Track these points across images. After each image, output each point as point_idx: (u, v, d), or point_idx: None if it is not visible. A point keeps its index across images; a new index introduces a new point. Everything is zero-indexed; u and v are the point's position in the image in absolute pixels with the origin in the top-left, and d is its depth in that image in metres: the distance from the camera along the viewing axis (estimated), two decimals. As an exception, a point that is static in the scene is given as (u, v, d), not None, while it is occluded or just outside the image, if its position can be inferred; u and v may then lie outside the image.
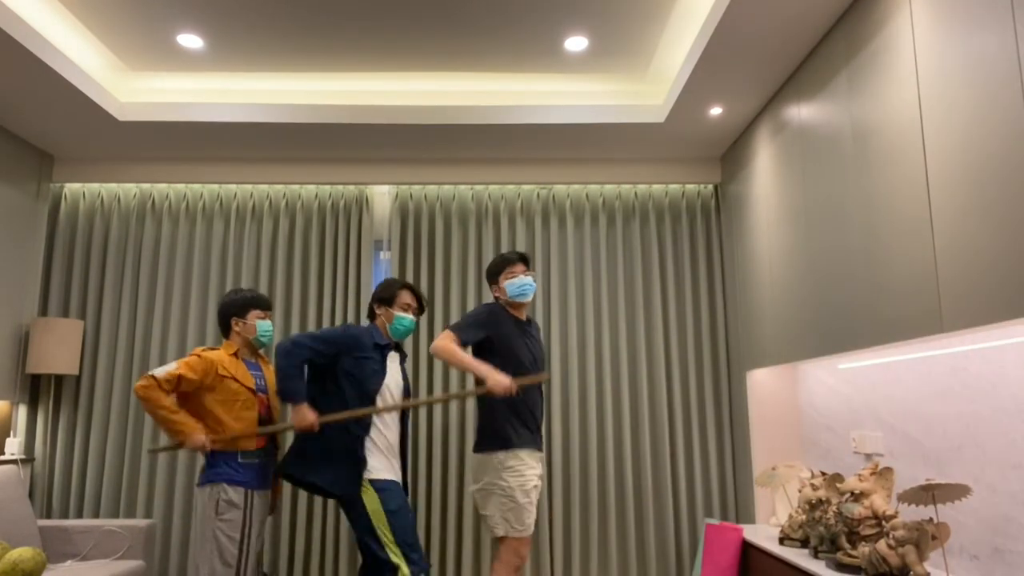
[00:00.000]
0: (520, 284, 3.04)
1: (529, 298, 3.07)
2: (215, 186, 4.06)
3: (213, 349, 2.92)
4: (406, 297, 3.01)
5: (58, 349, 3.61)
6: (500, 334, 2.97)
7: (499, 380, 2.79)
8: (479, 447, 2.95)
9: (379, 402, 2.87)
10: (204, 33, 3.13)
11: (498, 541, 2.87)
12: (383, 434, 2.88)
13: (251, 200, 4.05)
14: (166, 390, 2.71)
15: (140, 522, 3.40)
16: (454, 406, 3.83)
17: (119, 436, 3.79)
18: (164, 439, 3.76)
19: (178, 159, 3.99)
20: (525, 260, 3.10)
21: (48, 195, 3.93)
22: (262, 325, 2.97)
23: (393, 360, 3.00)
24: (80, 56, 3.25)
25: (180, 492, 3.71)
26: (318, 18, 3.02)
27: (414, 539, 2.76)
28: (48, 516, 3.71)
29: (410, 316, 3.00)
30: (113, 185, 4.04)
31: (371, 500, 2.74)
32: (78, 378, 3.84)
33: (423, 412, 3.84)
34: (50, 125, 3.56)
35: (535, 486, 2.88)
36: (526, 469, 2.87)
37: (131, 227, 3.99)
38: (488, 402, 2.94)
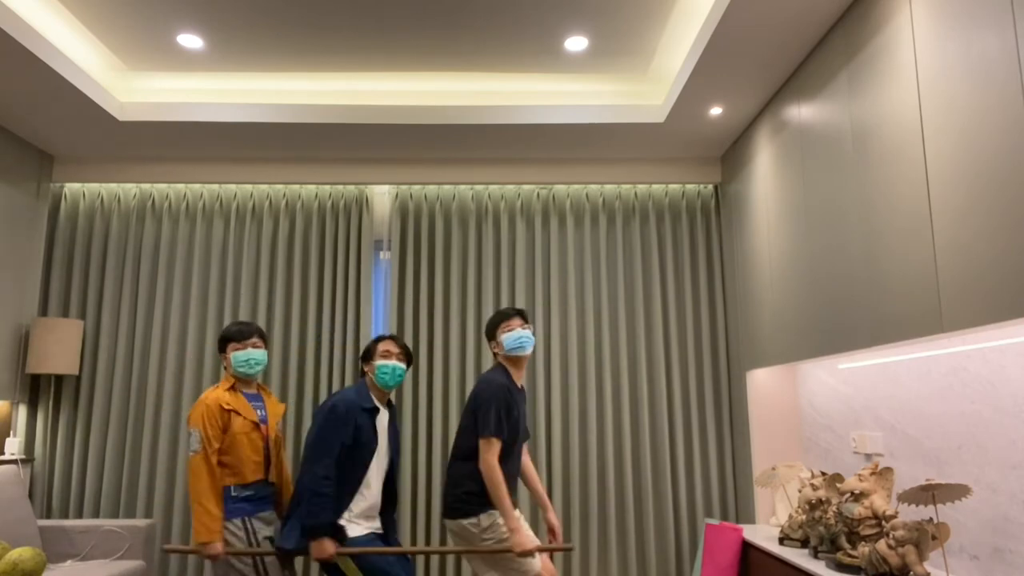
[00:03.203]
0: (518, 336, 2.89)
1: (528, 352, 2.91)
2: (215, 186, 4.06)
3: (211, 389, 2.91)
4: (383, 346, 2.98)
5: (58, 349, 3.61)
6: (511, 416, 2.82)
7: (523, 543, 2.63)
8: (450, 513, 2.78)
9: (373, 466, 2.82)
10: (204, 33, 3.13)
11: None
12: (362, 500, 2.82)
13: (251, 200, 4.05)
14: (214, 461, 2.73)
15: (140, 522, 3.40)
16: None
17: (119, 436, 3.79)
18: (165, 433, 3.76)
19: (178, 159, 3.99)
20: (522, 315, 2.97)
21: (48, 195, 3.93)
22: (236, 357, 2.91)
23: (382, 419, 2.93)
24: (80, 56, 3.25)
25: (180, 492, 3.71)
26: (318, 18, 3.02)
27: (391, 567, 2.70)
28: (48, 516, 3.71)
29: (392, 361, 2.92)
30: (113, 185, 4.05)
31: (351, 570, 2.70)
32: (78, 378, 3.84)
33: (418, 415, 3.84)
34: (50, 125, 3.56)
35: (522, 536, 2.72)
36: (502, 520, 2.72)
37: (131, 227, 3.99)
38: (458, 462, 2.81)
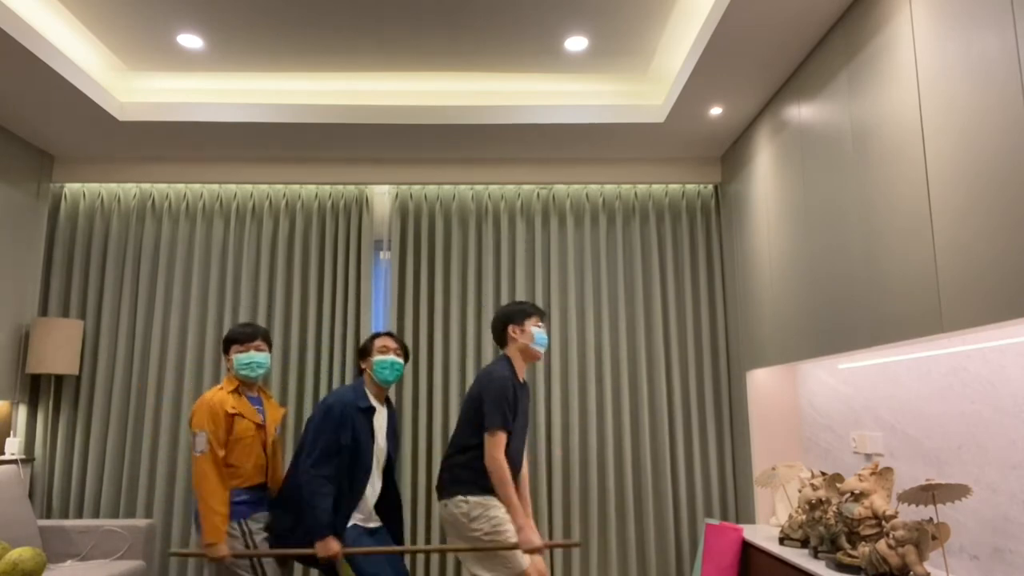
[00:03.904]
0: (544, 335, 2.90)
1: (542, 351, 2.92)
2: (215, 186, 4.06)
3: (214, 390, 2.91)
4: (380, 342, 2.98)
5: (58, 349, 3.61)
6: (516, 410, 2.80)
7: (531, 540, 2.60)
8: (443, 492, 2.76)
9: (370, 465, 2.81)
10: (204, 33, 3.13)
11: None
12: (364, 505, 2.83)
13: (251, 200, 4.05)
14: (220, 459, 2.74)
15: (140, 522, 3.40)
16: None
17: (119, 436, 3.79)
18: (165, 433, 3.76)
19: (178, 159, 3.99)
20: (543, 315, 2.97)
21: (48, 195, 3.93)
22: (239, 360, 2.91)
23: (380, 417, 2.93)
24: (80, 56, 3.25)
25: (180, 492, 3.71)
26: (318, 18, 3.02)
27: (378, 570, 2.70)
28: (48, 516, 3.71)
29: (390, 356, 2.92)
30: (113, 185, 4.05)
31: (346, 571, 2.71)
32: (78, 378, 3.84)
33: (418, 417, 3.84)
34: (50, 125, 3.56)
35: (508, 518, 2.69)
36: (493, 511, 2.68)
37: (131, 227, 3.99)
38: (455, 455, 2.78)
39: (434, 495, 3.77)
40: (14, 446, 3.63)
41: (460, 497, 2.70)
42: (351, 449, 2.77)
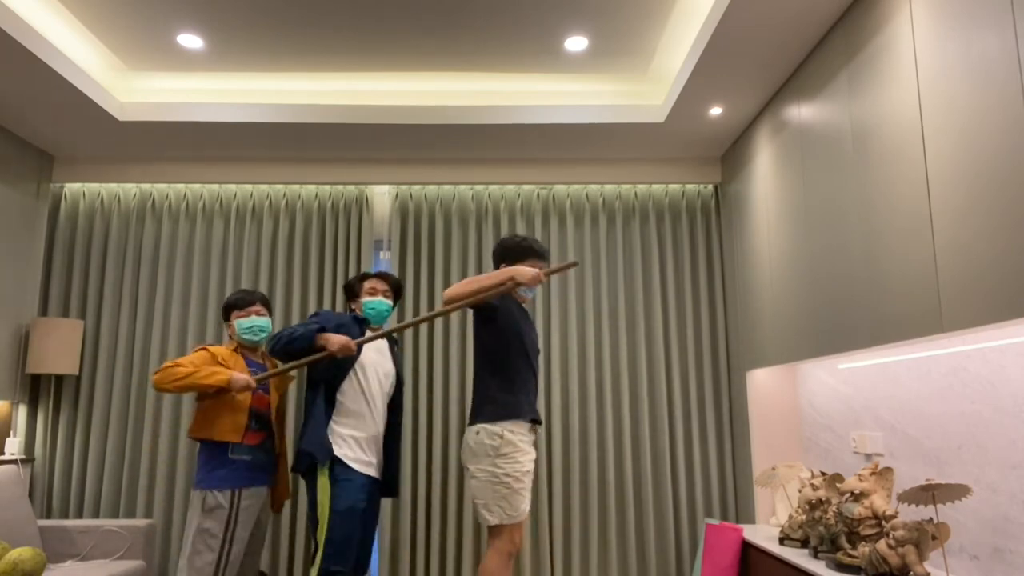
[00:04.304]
0: (380, 303, 3.08)
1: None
2: (215, 186, 4.06)
3: (216, 345, 3.01)
4: (369, 284, 3.05)
5: (58, 349, 3.61)
6: (510, 309, 2.84)
7: (525, 271, 2.71)
8: (475, 418, 2.81)
9: (362, 382, 2.87)
10: (204, 33, 3.13)
11: (490, 529, 2.74)
12: (362, 425, 2.86)
13: (251, 200, 4.05)
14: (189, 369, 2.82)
15: (140, 522, 3.40)
16: (455, 402, 3.83)
17: (119, 436, 3.79)
18: (165, 433, 3.75)
19: (178, 159, 3.99)
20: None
21: (48, 195, 3.93)
22: (241, 324, 3.01)
23: (377, 343, 3.01)
24: (80, 56, 3.25)
25: (180, 492, 3.71)
26: (318, 18, 3.02)
27: (346, 547, 2.70)
28: (48, 516, 3.71)
29: (378, 298, 3.02)
30: (113, 185, 4.04)
31: (323, 489, 2.73)
32: (78, 378, 3.84)
33: (427, 400, 3.84)
34: (50, 125, 3.56)
35: (528, 471, 2.75)
36: (520, 455, 2.73)
37: (131, 227, 3.99)
38: (485, 375, 2.83)
39: (433, 496, 3.76)
40: (14, 446, 3.63)
41: (493, 427, 2.73)
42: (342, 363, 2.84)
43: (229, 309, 3.04)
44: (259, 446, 2.92)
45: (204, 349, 2.91)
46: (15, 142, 3.67)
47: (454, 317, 3.93)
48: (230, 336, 3.07)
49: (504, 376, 2.79)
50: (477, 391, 2.84)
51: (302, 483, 3.75)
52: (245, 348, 3.03)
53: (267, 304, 3.10)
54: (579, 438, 3.87)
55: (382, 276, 3.08)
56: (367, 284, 3.05)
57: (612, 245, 4.08)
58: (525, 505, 2.73)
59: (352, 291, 3.09)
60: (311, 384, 2.91)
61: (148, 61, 3.38)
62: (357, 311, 3.05)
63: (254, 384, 2.78)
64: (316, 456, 2.74)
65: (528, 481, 2.76)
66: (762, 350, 3.44)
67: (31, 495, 3.69)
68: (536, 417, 2.84)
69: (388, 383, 3.00)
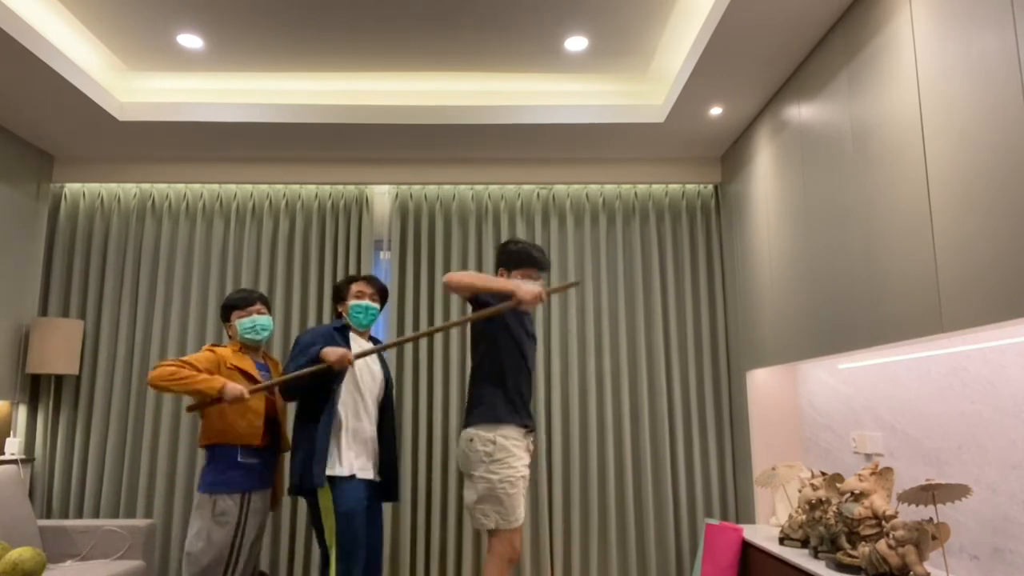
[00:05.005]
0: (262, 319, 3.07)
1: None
2: (215, 186, 4.06)
3: (221, 346, 3.00)
4: (356, 287, 3.04)
5: (58, 349, 3.61)
6: (504, 316, 2.82)
7: (528, 288, 2.67)
8: (468, 422, 2.80)
9: (353, 388, 2.86)
10: (204, 33, 3.13)
11: (489, 534, 2.74)
12: (356, 426, 2.85)
13: (251, 200, 4.05)
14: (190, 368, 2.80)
15: (140, 522, 3.40)
16: (455, 404, 3.83)
17: (119, 436, 3.79)
18: (165, 433, 3.75)
19: (178, 159, 3.99)
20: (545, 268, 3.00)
21: (48, 195, 3.93)
22: (242, 324, 3.00)
23: (361, 346, 2.99)
24: (80, 56, 3.25)
25: (180, 492, 3.71)
26: (318, 18, 3.02)
27: (354, 547, 2.70)
28: (48, 516, 3.71)
29: (364, 301, 3.00)
30: (113, 185, 4.04)
31: (324, 497, 2.73)
32: (78, 378, 3.84)
33: (419, 405, 3.84)
34: (50, 125, 3.56)
35: (523, 476, 2.74)
36: (514, 460, 2.71)
37: (131, 227, 3.99)
38: (478, 377, 2.83)
39: (433, 496, 3.76)
40: (14, 446, 3.63)
41: (485, 434, 2.72)
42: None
43: (229, 309, 3.03)
44: (265, 448, 2.93)
45: (211, 351, 2.90)
46: (15, 142, 3.67)
47: (454, 316, 3.93)
48: (230, 336, 3.06)
49: (498, 380, 2.79)
50: (472, 393, 2.85)
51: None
52: (247, 348, 3.03)
53: (266, 304, 3.10)
54: (579, 438, 3.87)
55: (369, 280, 3.07)
56: (354, 287, 3.04)
57: (612, 245, 4.08)
58: (521, 510, 2.72)
59: (340, 294, 3.08)
60: (304, 398, 2.88)
61: (148, 61, 3.38)
62: (344, 314, 3.04)
63: (247, 395, 2.75)
64: (315, 482, 2.71)
65: (523, 486, 2.75)
66: (762, 350, 3.44)
67: (31, 495, 3.69)
68: (530, 423, 2.83)
69: (377, 386, 2.98)
